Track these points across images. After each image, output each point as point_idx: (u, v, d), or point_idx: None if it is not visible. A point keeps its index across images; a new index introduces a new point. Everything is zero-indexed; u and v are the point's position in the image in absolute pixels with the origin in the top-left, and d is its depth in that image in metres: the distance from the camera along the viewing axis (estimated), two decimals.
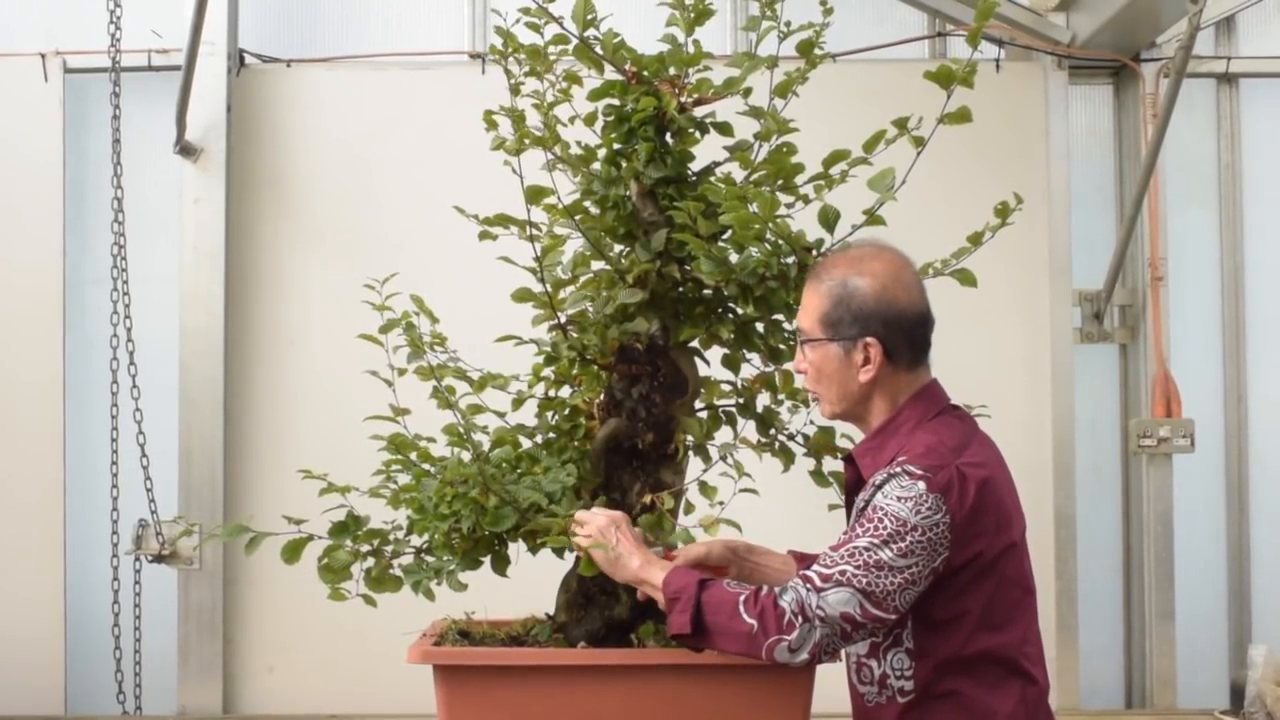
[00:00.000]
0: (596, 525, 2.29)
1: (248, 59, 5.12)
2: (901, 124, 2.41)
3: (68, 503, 4.98)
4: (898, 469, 2.10)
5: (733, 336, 2.59)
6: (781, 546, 2.72)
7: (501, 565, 2.55)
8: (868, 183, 2.42)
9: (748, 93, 2.58)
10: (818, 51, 2.59)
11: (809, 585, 2.05)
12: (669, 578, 2.17)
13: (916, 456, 2.10)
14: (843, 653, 2.17)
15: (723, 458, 2.60)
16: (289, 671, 4.95)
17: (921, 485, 2.06)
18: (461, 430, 2.56)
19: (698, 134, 2.60)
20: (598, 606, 2.55)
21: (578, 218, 2.61)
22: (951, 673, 2.11)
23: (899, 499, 2.06)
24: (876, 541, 2.05)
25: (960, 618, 2.10)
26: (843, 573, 2.04)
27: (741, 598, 2.08)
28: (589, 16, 2.51)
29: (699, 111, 2.60)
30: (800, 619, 2.03)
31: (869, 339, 2.20)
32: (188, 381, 4.97)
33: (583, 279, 2.66)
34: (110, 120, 5.01)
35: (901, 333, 2.21)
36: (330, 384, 4.84)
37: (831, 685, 2.38)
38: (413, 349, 2.56)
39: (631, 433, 2.57)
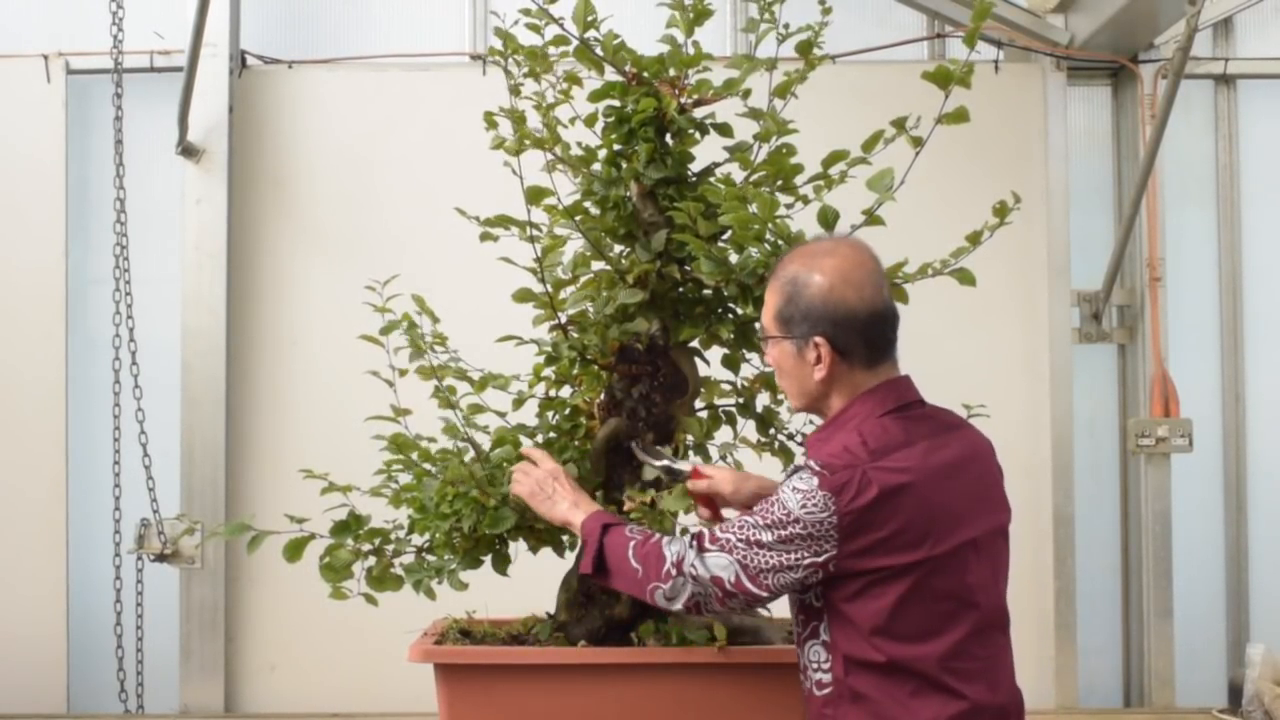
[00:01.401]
0: (536, 477, 2.41)
1: (249, 60, 5.12)
2: (900, 124, 2.42)
3: (70, 502, 4.99)
4: (805, 462, 2.12)
5: (733, 336, 2.60)
6: None
7: (502, 564, 2.56)
8: (867, 183, 2.43)
9: (747, 94, 2.60)
10: (817, 53, 2.60)
11: (697, 543, 2.16)
12: (586, 521, 2.31)
13: (827, 454, 2.11)
14: None
15: (723, 457, 2.61)
16: (291, 670, 4.96)
17: (815, 482, 2.06)
18: (461, 429, 2.58)
19: (698, 135, 2.62)
20: (598, 606, 2.57)
21: (578, 218, 2.62)
22: (861, 674, 2.09)
23: (794, 489, 2.08)
24: (763, 523, 2.10)
25: (863, 622, 2.08)
26: (728, 541, 2.13)
27: (632, 543, 2.21)
28: (589, 18, 2.53)
29: (699, 112, 2.62)
30: (675, 571, 2.15)
31: (818, 338, 2.18)
32: (190, 381, 4.98)
33: (583, 279, 2.67)
34: (112, 121, 5.02)
35: (853, 332, 2.17)
36: (332, 384, 4.86)
37: None
38: (413, 349, 2.57)
39: (632, 432, 2.59)
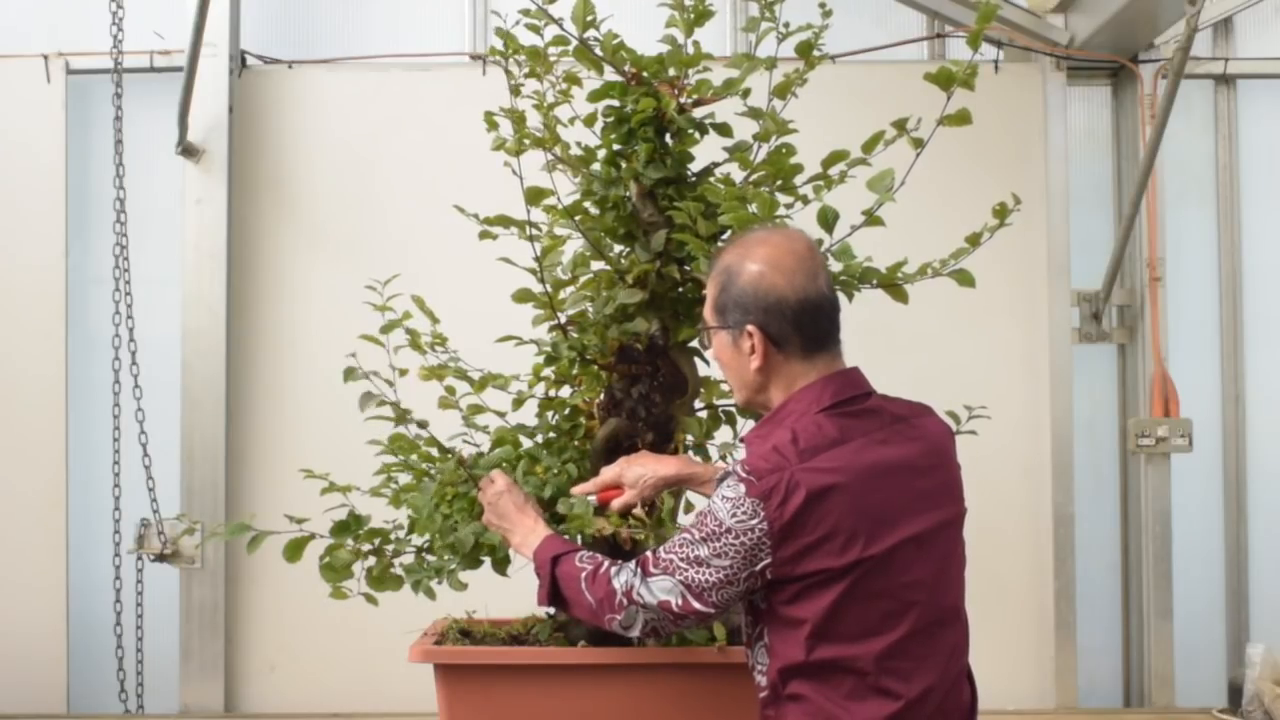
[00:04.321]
0: (489, 497, 2.40)
1: (249, 60, 5.12)
2: (900, 125, 2.42)
3: (70, 501, 4.99)
4: (733, 467, 2.10)
5: None
6: None
7: (502, 565, 2.56)
8: (867, 183, 2.43)
9: (747, 94, 2.60)
10: (817, 53, 2.60)
11: (642, 570, 2.14)
12: (537, 552, 2.28)
13: (755, 457, 2.08)
14: None
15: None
16: (291, 670, 4.96)
17: (742, 489, 2.05)
18: (463, 428, 2.59)
19: (697, 135, 2.61)
20: None
21: (578, 218, 2.62)
22: (797, 676, 2.08)
23: (723, 498, 2.07)
24: (698, 538, 2.09)
25: (799, 624, 2.07)
26: (670, 562, 2.12)
27: (583, 574, 2.19)
28: (589, 18, 2.53)
29: (698, 112, 2.61)
30: (626, 601, 2.14)
31: (750, 327, 2.17)
32: (190, 381, 4.98)
33: (583, 279, 2.67)
34: (113, 121, 5.02)
35: (785, 320, 2.15)
36: (332, 384, 4.84)
37: None
38: (413, 347, 2.58)
39: (631, 432, 2.59)
